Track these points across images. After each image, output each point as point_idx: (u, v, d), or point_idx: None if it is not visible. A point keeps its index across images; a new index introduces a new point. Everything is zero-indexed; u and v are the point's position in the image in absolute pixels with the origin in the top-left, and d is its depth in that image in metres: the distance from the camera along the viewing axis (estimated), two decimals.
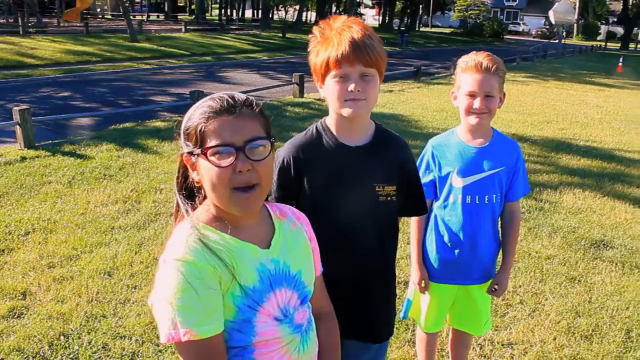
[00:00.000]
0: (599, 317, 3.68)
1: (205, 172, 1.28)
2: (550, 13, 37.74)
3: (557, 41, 38.24)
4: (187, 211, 1.34)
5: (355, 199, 1.80)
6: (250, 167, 1.26)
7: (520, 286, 4.05)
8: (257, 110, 1.32)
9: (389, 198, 1.83)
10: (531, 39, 56.33)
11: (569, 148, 8.61)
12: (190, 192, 1.39)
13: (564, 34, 41.16)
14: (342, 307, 1.66)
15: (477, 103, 2.24)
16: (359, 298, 1.88)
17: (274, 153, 1.34)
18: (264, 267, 1.33)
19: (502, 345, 3.33)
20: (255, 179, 1.27)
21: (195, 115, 1.29)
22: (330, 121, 1.84)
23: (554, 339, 3.41)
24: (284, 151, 1.84)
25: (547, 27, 60.21)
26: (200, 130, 1.27)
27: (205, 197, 1.36)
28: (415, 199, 1.99)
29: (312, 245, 1.53)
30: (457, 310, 2.65)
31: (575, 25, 59.89)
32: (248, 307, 1.28)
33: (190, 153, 1.30)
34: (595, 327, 3.55)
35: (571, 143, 9.04)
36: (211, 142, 1.25)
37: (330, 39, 1.69)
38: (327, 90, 1.75)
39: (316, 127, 1.87)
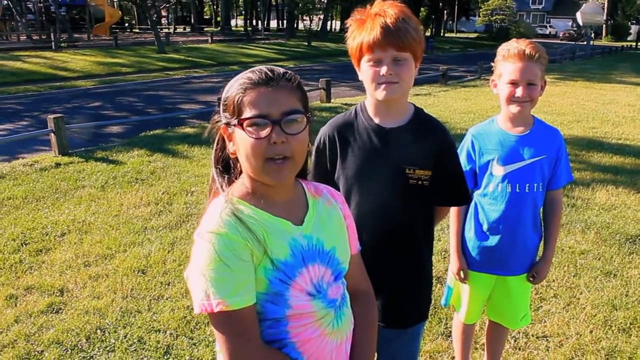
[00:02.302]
0: (637, 310, 3.60)
1: (240, 142, 1.29)
2: (578, 14, 37.14)
3: (585, 43, 37.59)
4: (222, 186, 1.35)
5: (384, 180, 1.81)
6: (285, 140, 1.26)
7: (554, 280, 3.98)
8: (295, 84, 1.32)
9: (420, 182, 1.82)
10: (559, 41, 55.52)
11: (600, 146, 8.45)
12: (226, 165, 1.41)
13: (593, 35, 40.45)
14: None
15: (519, 92, 2.20)
16: (386, 281, 1.88)
17: (309, 128, 1.35)
18: (296, 242, 1.34)
19: (537, 337, 3.28)
20: (288, 152, 1.28)
21: (234, 87, 1.31)
22: (367, 103, 1.88)
23: (591, 331, 3.34)
24: (322, 131, 1.90)
25: (575, 29, 59.27)
26: (237, 101, 1.28)
27: (240, 172, 1.38)
28: (456, 187, 1.95)
29: (347, 222, 1.53)
30: (494, 302, 2.61)
31: (604, 26, 58.85)
32: (280, 280, 1.29)
33: (228, 124, 1.32)
34: (634, 320, 3.47)
35: (602, 141, 8.88)
36: (248, 113, 1.26)
37: (364, 24, 1.73)
38: (363, 74, 1.79)
39: (355, 109, 1.91)
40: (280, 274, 1.29)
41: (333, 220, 1.47)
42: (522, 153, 2.31)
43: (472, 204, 2.45)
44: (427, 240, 1.98)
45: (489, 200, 2.38)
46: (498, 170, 2.33)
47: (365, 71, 1.77)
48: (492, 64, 2.34)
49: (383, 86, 1.73)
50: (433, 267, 4.03)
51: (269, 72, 1.30)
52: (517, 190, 2.32)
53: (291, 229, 1.35)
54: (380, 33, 1.68)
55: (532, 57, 2.18)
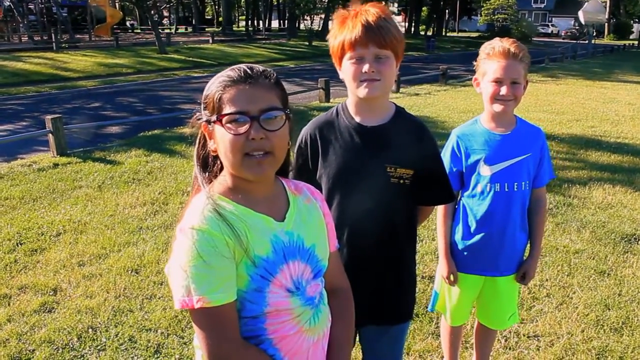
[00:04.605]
0: (629, 309, 3.60)
1: (220, 139, 1.31)
2: (580, 13, 37.14)
3: (586, 41, 37.53)
4: (203, 183, 1.37)
5: (365, 178, 1.81)
6: (264, 136, 1.28)
7: (547, 280, 3.98)
8: (273, 81, 1.34)
9: (401, 181, 1.82)
10: (561, 40, 55.43)
11: (598, 145, 8.44)
12: (205, 163, 1.42)
13: (594, 33, 40.40)
14: (354, 288, 1.64)
15: (504, 90, 2.19)
16: (369, 280, 1.89)
17: (289, 125, 1.36)
18: (278, 239, 1.35)
19: (528, 337, 3.28)
20: (268, 147, 1.29)
21: (214, 85, 1.33)
22: (349, 102, 1.89)
23: (582, 331, 3.34)
24: (304, 130, 1.92)
25: (577, 27, 59.15)
26: (217, 99, 1.30)
27: (221, 169, 1.40)
28: (438, 186, 1.95)
29: (327, 220, 1.54)
30: (482, 304, 2.61)
31: (606, 24, 58.73)
32: (261, 277, 1.30)
33: (208, 121, 1.33)
34: (626, 320, 3.47)
35: (601, 140, 8.86)
36: (227, 110, 1.28)
37: (346, 23, 1.74)
38: (345, 72, 1.80)
39: (336, 108, 1.93)
40: (261, 270, 1.30)
41: (313, 218, 1.49)
42: (508, 152, 2.31)
43: (460, 206, 2.45)
44: (410, 240, 1.98)
45: (477, 201, 2.36)
46: (485, 171, 2.32)
47: (347, 69, 1.78)
48: (474, 62, 2.34)
49: (365, 84, 1.74)
50: (426, 267, 4.07)
51: (248, 70, 1.32)
52: (506, 190, 2.32)
53: (273, 225, 1.36)
54: (362, 31, 1.69)
55: (517, 56, 2.18)
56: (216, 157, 1.38)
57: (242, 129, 1.27)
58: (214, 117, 1.31)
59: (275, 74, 1.36)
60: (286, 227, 1.38)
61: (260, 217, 1.35)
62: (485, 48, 2.25)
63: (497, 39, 2.27)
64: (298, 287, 1.37)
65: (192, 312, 1.26)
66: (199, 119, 1.37)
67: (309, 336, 1.40)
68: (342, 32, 1.75)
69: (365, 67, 1.72)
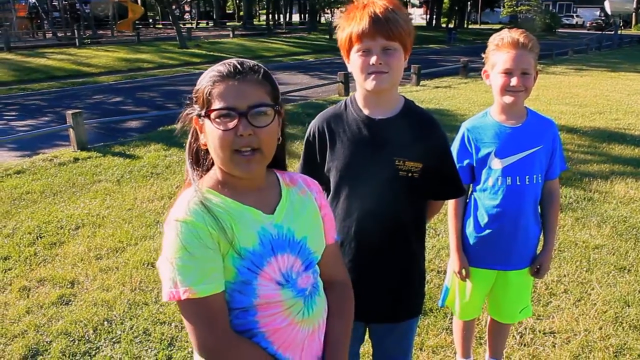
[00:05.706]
0: None
1: (209, 134, 1.31)
2: (606, 3, 36.28)
3: (612, 32, 36.74)
4: (193, 177, 1.37)
5: (374, 171, 1.79)
6: (252, 132, 1.28)
7: (565, 275, 3.92)
8: (263, 77, 1.33)
9: (409, 174, 1.80)
10: (586, 31, 54.37)
11: (622, 138, 8.26)
12: (198, 157, 1.42)
13: (621, 24, 39.54)
14: (357, 284, 1.61)
15: (514, 81, 2.16)
16: (377, 272, 1.87)
17: (279, 120, 1.36)
18: (266, 231, 1.34)
19: (544, 333, 3.23)
20: (256, 144, 1.29)
21: (205, 79, 1.33)
22: (358, 95, 1.87)
23: (600, 328, 3.28)
24: (312, 123, 1.90)
25: (603, 18, 57.94)
26: (206, 94, 1.30)
27: (212, 164, 1.40)
28: (448, 180, 1.93)
29: (323, 212, 1.52)
30: (494, 298, 2.58)
31: (633, 14, 57.39)
32: (248, 269, 1.30)
33: (199, 115, 1.34)
34: None
35: (625, 133, 8.68)
36: (216, 105, 1.29)
37: (353, 15, 1.73)
38: (352, 65, 1.78)
39: (345, 101, 1.91)
40: (248, 262, 1.30)
41: (307, 210, 1.48)
42: (519, 145, 2.27)
43: (472, 200, 2.42)
44: (419, 234, 1.95)
45: (489, 194, 2.33)
46: (496, 164, 2.29)
47: (354, 61, 1.76)
48: (483, 55, 2.30)
49: (372, 76, 1.72)
50: (442, 262, 4.04)
51: (237, 65, 1.32)
52: (518, 183, 2.29)
53: (261, 218, 1.36)
54: (369, 22, 1.68)
55: (526, 46, 2.15)
56: (207, 152, 1.38)
57: (230, 125, 1.27)
58: (203, 112, 1.31)
59: (265, 69, 1.35)
60: (275, 220, 1.38)
61: (248, 210, 1.35)
62: (494, 39, 2.22)
63: (505, 29, 2.23)
64: (288, 279, 1.36)
65: (180, 304, 1.27)
66: (189, 114, 1.38)
67: (303, 327, 1.40)
68: (349, 24, 1.73)
69: (373, 59, 1.70)
